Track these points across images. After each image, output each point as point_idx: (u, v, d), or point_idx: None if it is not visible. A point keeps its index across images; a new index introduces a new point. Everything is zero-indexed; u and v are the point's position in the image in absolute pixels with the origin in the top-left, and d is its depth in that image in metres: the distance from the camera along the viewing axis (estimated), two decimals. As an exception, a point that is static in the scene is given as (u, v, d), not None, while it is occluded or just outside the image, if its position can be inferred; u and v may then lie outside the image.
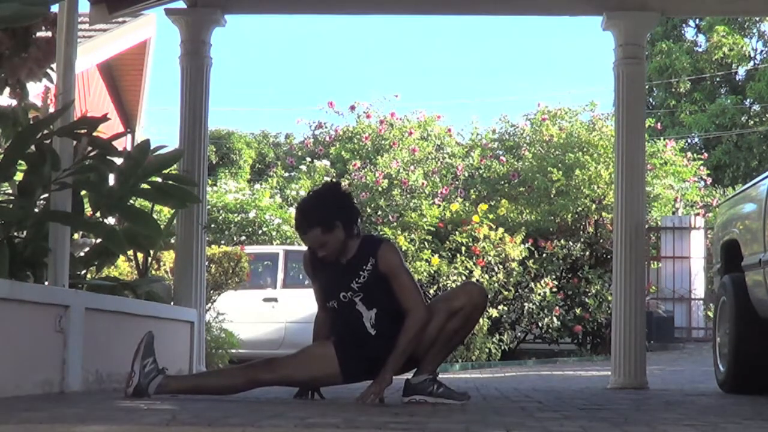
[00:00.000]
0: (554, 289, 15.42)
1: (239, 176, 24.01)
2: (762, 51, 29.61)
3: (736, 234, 6.65)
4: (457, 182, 18.65)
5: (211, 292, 10.09)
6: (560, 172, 16.24)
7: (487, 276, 14.70)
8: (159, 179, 6.19)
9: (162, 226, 7.09)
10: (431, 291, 14.50)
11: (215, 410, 3.98)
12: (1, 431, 3.05)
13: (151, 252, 7.54)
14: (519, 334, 15.98)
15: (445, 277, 14.46)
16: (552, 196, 16.66)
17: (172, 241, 7.44)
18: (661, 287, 18.08)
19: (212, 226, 14.77)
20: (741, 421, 4.00)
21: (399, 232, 14.83)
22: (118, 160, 6.05)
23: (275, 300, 13.36)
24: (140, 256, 7.37)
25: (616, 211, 7.43)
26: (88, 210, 6.19)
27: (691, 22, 30.39)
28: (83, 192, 6.05)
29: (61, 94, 5.61)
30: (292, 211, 16.52)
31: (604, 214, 16.22)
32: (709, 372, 7.81)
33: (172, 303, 7.25)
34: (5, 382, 4.39)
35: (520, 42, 63.77)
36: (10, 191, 5.86)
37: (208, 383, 4.98)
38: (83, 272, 6.38)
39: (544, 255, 15.67)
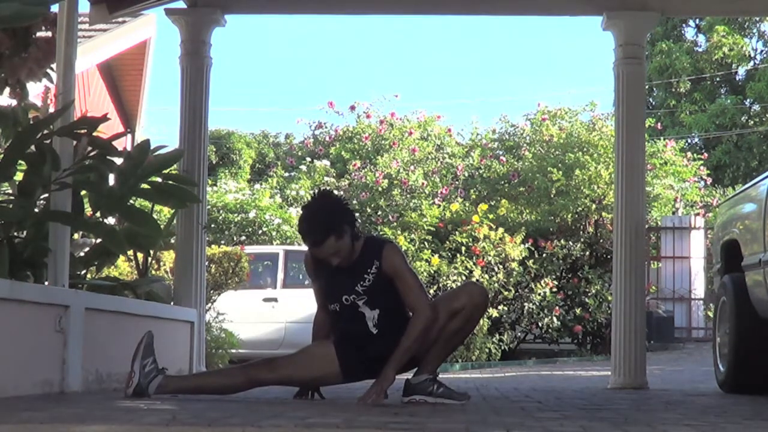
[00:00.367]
0: (554, 289, 15.42)
1: (239, 176, 24.01)
2: (762, 51, 29.63)
3: (736, 234, 6.65)
4: (457, 182, 18.65)
5: (211, 292, 10.10)
6: (560, 172, 16.24)
7: (487, 276, 14.70)
8: (159, 179, 6.19)
9: (162, 226, 7.09)
10: (431, 291, 14.50)
11: (215, 410, 3.98)
12: (1, 431, 3.05)
13: (151, 252, 7.54)
14: (519, 334, 15.98)
15: (445, 277, 14.46)
16: (552, 196, 16.66)
17: (172, 241, 7.44)
18: (661, 287, 18.08)
19: (212, 226, 14.78)
20: (741, 421, 4.00)
21: (399, 232, 14.84)
22: (118, 160, 6.06)
23: (275, 300, 13.37)
24: (140, 256, 7.37)
25: (616, 211, 7.43)
26: (88, 210, 6.19)
27: (691, 22, 30.39)
28: (83, 192, 6.05)
29: (61, 94, 5.61)
30: (293, 211, 16.56)
31: (604, 214, 16.22)
32: (709, 372, 7.81)
33: (172, 303, 7.25)
34: (5, 382, 4.39)
35: (520, 42, 63.79)
36: (10, 191, 5.87)
37: (209, 383, 4.98)
38: (83, 272, 6.38)
39: (544, 255, 15.67)
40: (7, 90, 5.77)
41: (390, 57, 63.60)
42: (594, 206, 16.31)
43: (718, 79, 29.60)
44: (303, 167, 19.60)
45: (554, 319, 15.34)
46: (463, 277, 14.42)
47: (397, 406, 4.45)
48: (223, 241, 14.59)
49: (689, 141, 27.67)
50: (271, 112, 52.30)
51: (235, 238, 15.31)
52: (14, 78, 5.68)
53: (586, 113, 18.00)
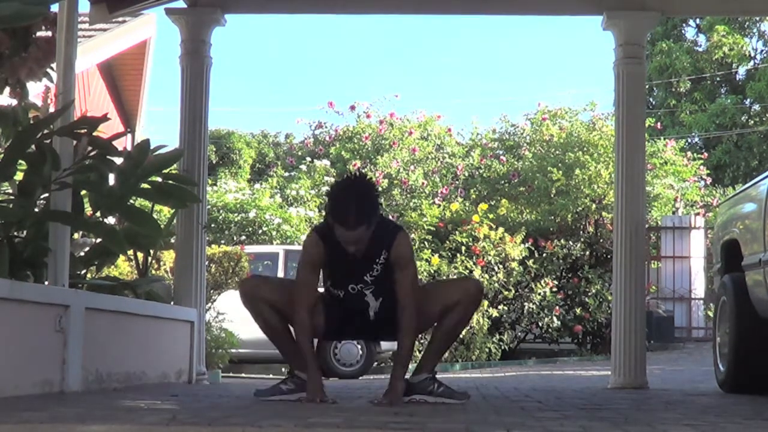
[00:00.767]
0: (554, 289, 15.43)
1: (239, 176, 24.01)
2: (762, 51, 29.63)
3: (736, 234, 6.65)
4: (457, 182, 18.66)
5: (211, 291, 10.10)
6: (560, 172, 16.25)
7: (487, 276, 14.70)
8: (159, 179, 6.19)
9: (162, 226, 7.09)
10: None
11: (215, 410, 3.98)
12: (1, 431, 3.05)
13: (151, 252, 7.54)
14: (519, 333, 15.98)
15: (445, 277, 14.46)
16: (552, 195, 16.67)
17: (172, 240, 7.44)
18: (661, 287, 18.07)
19: (212, 225, 14.78)
20: (741, 421, 4.00)
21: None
22: (118, 160, 6.05)
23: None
24: (140, 255, 7.37)
25: (616, 210, 7.43)
26: (88, 210, 6.19)
27: (691, 22, 30.39)
28: (83, 192, 6.05)
29: (61, 93, 5.61)
30: (292, 210, 16.57)
31: (604, 213, 16.23)
32: (709, 372, 7.80)
33: (172, 303, 7.25)
34: (5, 382, 4.39)
35: (520, 42, 63.77)
36: (10, 191, 5.86)
37: (277, 331, 4.89)
38: (83, 272, 6.38)
39: (544, 255, 15.68)
40: (7, 90, 5.77)
41: (390, 57, 63.61)
42: (594, 206, 16.31)
43: (718, 78, 29.60)
44: (303, 167, 19.60)
45: (554, 318, 15.35)
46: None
47: (397, 406, 4.44)
48: (223, 241, 14.59)
49: (689, 141, 27.66)
50: (271, 112, 52.32)
51: (235, 238, 15.32)
52: (14, 78, 5.68)
53: (586, 113, 18.03)
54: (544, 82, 56.27)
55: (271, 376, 12.58)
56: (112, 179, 6.11)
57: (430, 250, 14.67)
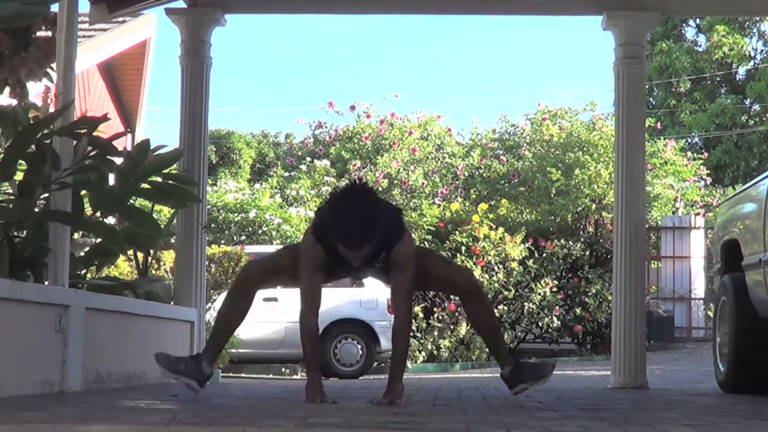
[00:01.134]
0: (554, 289, 15.43)
1: (239, 176, 24.03)
2: (762, 51, 29.63)
3: (736, 234, 6.65)
4: (457, 182, 18.67)
5: (211, 291, 10.10)
6: (560, 172, 16.25)
7: (487, 276, 14.71)
8: (159, 179, 6.19)
9: (162, 226, 7.09)
10: (431, 291, 14.50)
11: (215, 410, 3.98)
12: (1, 431, 3.05)
13: (151, 252, 7.54)
14: (519, 333, 15.99)
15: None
16: (552, 195, 16.67)
17: (172, 241, 7.44)
18: (661, 287, 18.08)
19: (212, 225, 14.78)
20: (741, 421, 4.00)
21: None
22: (118, 160, 6.05)
23: (275, 300, 13.35)
24: (140, 255, 7.37)
25: (616, 210, 7.43)
26: (88, 210, 6.19)
27: (691, 22, 30.39)
28: (83, 192, 6.05)
29: (61, 93, 5.61)
30: (292, 210, 16.58)
31: (604, 213, 16.23)
32: (709, 372, 7.80)
33: (172, 303, 7.25)
34: (5, 382, 4.39)
35: (521, 42, 63.79)
36: (10, 191, 5.86)
37: (235, 320, 4.96)
38: (83, 272, 6.38)
39: (544, 255, 15.68)
40: (7, 90, 5.77)
41: (390, 57, 63.62)
42: (594, 206, 16.32)
43: (718, 78, 29.60)
44: (303, 167, 19.61)
45: (554, 318, 15.35)
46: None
47: (397, 406, 4.44)
48: (223, 241, 14.59)
49: (689, 141, 27.67)
50: (271, 112, 52.32)
51: (235, 238, 15.32)
52: (14, 78, 5.68)
53: (586, 113, 18.05)
54: (544, 82, 56.30)
55: (271, 376, 12.58)
56: (112, 179, 6.11)
57: (430, 250, 14.67)
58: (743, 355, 6.33)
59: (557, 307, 15.39)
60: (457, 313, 14.43)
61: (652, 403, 5.27)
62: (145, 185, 6.09)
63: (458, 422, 3.62)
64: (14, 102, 5.84)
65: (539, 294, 15.27)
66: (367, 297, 12.84)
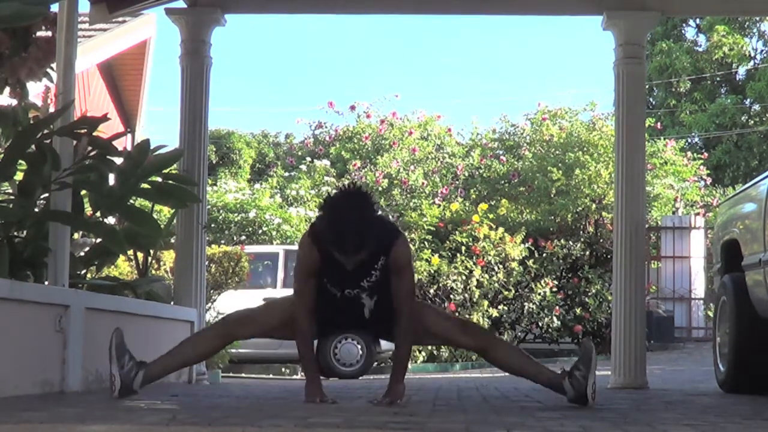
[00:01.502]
0: (554, 289, 15.43)
1: (239, 176, 24.03)
2: (762, 51, 29.62)
3: (736, 234, 6.65)
4: (457, 182, 18.67)
5: (211, 291, 10.10)
6: (560, 172, 16.25)
7: (487, 276, 14.71)
8: (159, 179, 6.19)
9: (162, 226, 7.09)
10: (431, 290, 14.51)
11: (215, 410, 3.98)
12: (1, 431, 3.05)
13: (151, 252, 7.54)
14: (519, 333, 15.98)
15: (445, 277, 14.47)
16: (552, 195, 16.67)
17: (172, 240, 7.44)
18: (661, 287, 18.07)
19: (212, 225, 14.78)
20: (741, 421, 4.00)
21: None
22: (118, 160, 6.05)
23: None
24: (140, 255, 7.37)
25: (616, 210, 7.43)
26: (88, 210, 6.19)
27: (691, 22, 30.39)
28: (83, 192, 6.05)
29: (61, 93, 5.61)
30: (292, 210, 16.58)
31: (604, 213, 16.23)
32: (709, 372, 7.80)
33: (172, 303, 7.25)
34: (5, 382, 4.39)
35: (521, 42, 63.79)
36: (10, 191, 5.86)
37: (190, 356, 4.87)
38: (83, 272, 6.38)
39: (544, 255, 15.68)
40: (7, 90, 5.77)
41: (390, 57, 63.62)
42: (594, 206, 16.32)
43: (718, 78, 29.59)
44: (303, 167, 19.61)
45: (554, 318, 15.35)
46: (463, 277, 14.43)
47: (398, 406, 4.44)
48: (223, 241, 14.59)
49: (689, 141, 27.67)
50: (271, 112, 52.33)
51: (235, 238, 15.32)
52: (14, 78, 5.68)
53: (586, 113, 18.04)
54: (544, 82, 56.30)
55: (271, 376, 12.58)
56: (112, 179, 6.11)
57: (430, 250, 14.67)
58: (743, 355, 6.33)
59: (557, 307, 15.38)
60: (457, 313, 14.42)
61: (652, 403, 5.27)
62: (145, 185, 6.09)
63: (458, 422, 3.62)
64: (14, 102, 5.84)
65: (539, 294, 15.26)
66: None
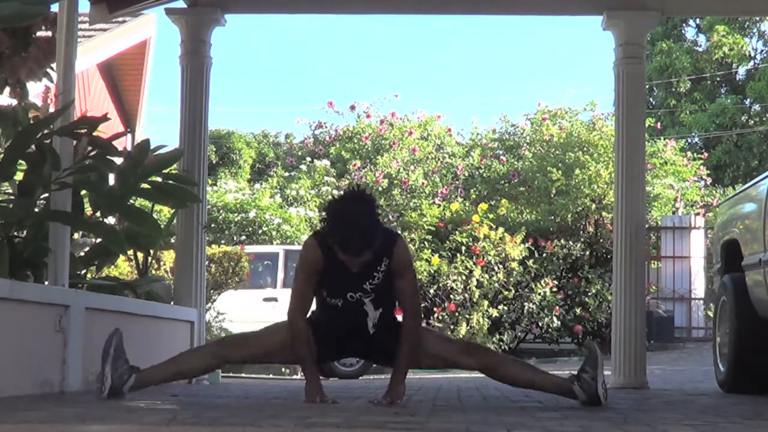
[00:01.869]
0: (554, 289, 15.43)
1: (239, 176, 24.03)
2: (762, 51, 29.62)
3: (736, 234, 6.65)
4: (457, 182, 18.67)
5: (211, 291, 10.10)
6: (560, 172, 16.25)
7: (487, 276, 14.71)
8: (159, 179, 6.20)
9: (162, 226, 7.09)
10: (431, 290, 14.51)
11: (215, 410, 3.99)
12: (1, 431, 3.05)
13: (151, 252, 7.55)
14: (519, 333, 15.99)
15: (445, 277, 14.47)
16: (552, 195, 16.67)
17: (172, 240, 7.44)
18: (661, 287, 18.08)
19: (212, 225, 14.78)
20: (741, 421, 4.00)
21: (399, 232, 14.84)
22: (118, 160, 6.05)
23: (275, 300, 13.36)
24: (140, 255, 7.37)
25: (616, 210, 7.43)
26: (88, 210, 6.19)
27: (691, 22, 30.39)
28: (83, 192, 6.05)
29: (61, 93, 5.61)
30: (292, 210, 16.57)
31: (604, 213, 16.24)
32: (709, 372, 7.80)
33: (172, 303, 7.25)
34: (5, 382, 4.39)
35: (520, 42, 63.78)
36: (10, 191, 5.86)
37: (182, 370, 4.83)
38: (83, 272, 6.38)
39: (544, 255, 15.68)
40: (7, 90, 5.77)
41: (390, 57, 63.62)
42: (594, 206, 16.32)
43: (718, 78, 29.60)
44: (303, 167, 19.60)
45: (554, 318, 15.35)
46: (463, 277, 14.43)
47: (398, 406, 4.44)
48: (223, 241, 14.60)
49: (689, 141, 27.67)
50: (271, 112, 52.31)
51: (235, 238, 15.32)
52: (14, 78, 5.69)
53: (586, 113, 18.05)
54: (544, 82, 56.29)
55: (271, 375, 12.58)
56: (112, 179, 6.11)
57: (430, 250, 14.67)
58: (743, 355, 6.33)
59: (557, 307, 15.39)
60: (457, 314, 14.44)
61: (652, 403, 5.27)
62: (145, 185, 6.09)
63: (458, 422, 3.62)
64: (14, 102, 5.84)
65: (539, 294, 15.26)
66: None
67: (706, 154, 23.21)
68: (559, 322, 15.43)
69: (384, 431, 3.19)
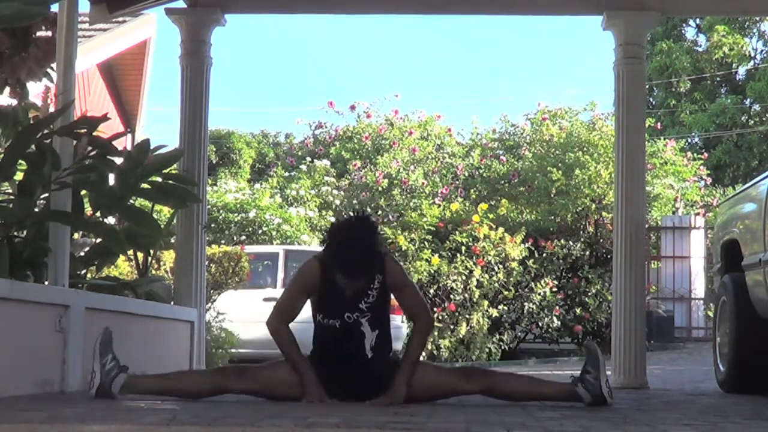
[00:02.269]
0: (554, 289, 15.43)
1: (239, 176, 24.01)
2: (762, 51, 29.62)
3: (736, 234, 6.65)
4: (457, 182, 18.67)
5: (211, 291, 10.08)
6: (560, 172, 16.25)
7: (487, 276, 14.70)
8: (159, 179, 6.19)
9: (162, 226, 7.09)
10: (431, 290, 14.50)
11: (215, 410, 3.98)
12: (1, 431, 3.05)
13: (151, 252, 7.54)
14: (519, 333, 15.99)
15: (445, 277, 14.46)
16: (552, 195, 16.67)
17: (172, 240, 7.44)
18: (661, 287, 18.08)
19: (212, 225, 14.77)
20: (741, 421, 4.00)
21: (399, 232, 14.84)
22: (118, 160, 6.05)
23: (275, 300, 13.36)
24: (140, 255, 7.37)
25: (616, 210, 7.43)
26: (88, 210, 6.19)
27: (691, 22, 30.39)
28: (83, 192, 6.05)
29: (61, 93, 5.61)
30: (292, 210, 16.56)
31: (604, 213, 16.23)
32: (709, 372, 7.81)
33: (172, 303, 7.25)
34: (5, 382, 4.39)
35: (520, 42, 63.80)
36: (10, 191, 5.86)
37: (176, 387, 4.74)
38: (83, 272, 6.38)
39: (544, 255, 15.68)
40: (7, 90, 5.77)
41: (390, 57, 63.63)
42: (594, 206, 16.32)
43: (718, 78, 29.59)
44: (303, 167, 19.60)
45: (554, 318, 15.35)
46: (463, 277, 14.43)
47: (398, 406, 4.44)
48: (223, 241, 14.58)
49: (689, 141, 27.67)
50: (271, 112, 52.32)
51: (235, 238, 15.30)
52: (14, 78, 5.68)
53: (586, 113, 18.05)
54: (544, 82, 56.30)
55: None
56: (112, 179, 6.11)
57: (430, 250, 14.66)
58: (743, 355, 6.34)
59: (557, 307, 15.38)
60: (457, 313, 14.43)
61: (652, 403, 5.27)
62: (145, 185, 6.08)
63: (458, 422, 3.62)
64: (14, 102, 5.84)
65: (539, 294, 15.26)
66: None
67: (706, 154, 23.21)
68: (559, 322, 15.43)
69: (384, 431, 3.19)
